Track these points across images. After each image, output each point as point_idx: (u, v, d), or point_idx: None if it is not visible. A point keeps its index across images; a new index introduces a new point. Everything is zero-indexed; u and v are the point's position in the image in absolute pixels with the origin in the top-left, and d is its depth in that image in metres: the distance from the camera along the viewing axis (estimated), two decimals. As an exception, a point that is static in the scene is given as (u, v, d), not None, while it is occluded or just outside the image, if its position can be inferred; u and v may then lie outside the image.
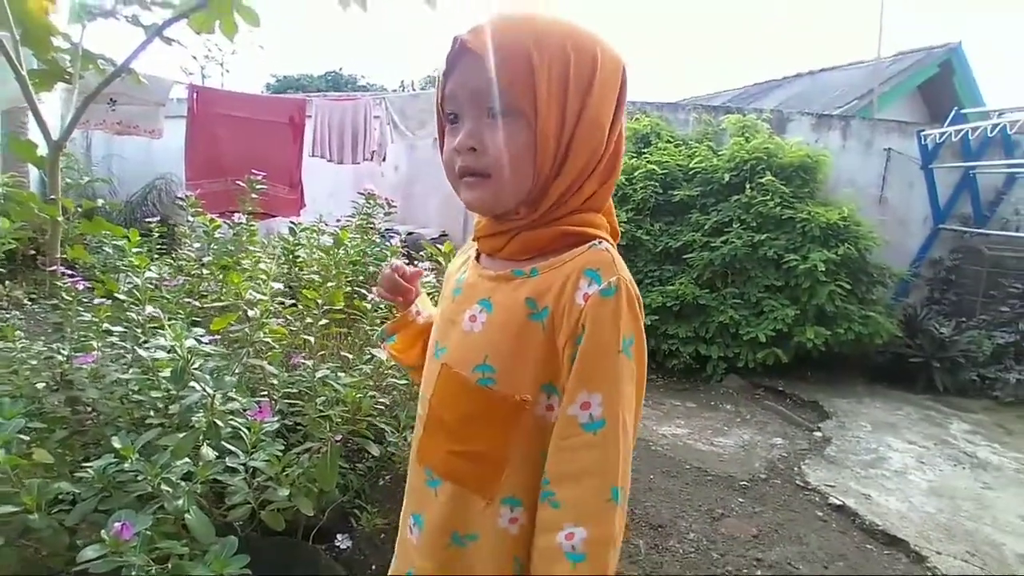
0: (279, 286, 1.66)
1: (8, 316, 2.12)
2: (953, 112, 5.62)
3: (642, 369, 0.74)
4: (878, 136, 5.86)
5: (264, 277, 1.69)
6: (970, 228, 5.76)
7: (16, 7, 1.66)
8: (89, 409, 1.57)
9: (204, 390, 1.26)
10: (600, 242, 0.77)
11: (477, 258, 0.86)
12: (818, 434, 3.88)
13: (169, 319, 1.52)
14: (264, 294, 1.59)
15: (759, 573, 2.36)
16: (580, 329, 0.71)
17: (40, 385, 1.55)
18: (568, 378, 0.72)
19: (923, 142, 5.67)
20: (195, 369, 1.28)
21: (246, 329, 1.54)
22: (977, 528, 2.80)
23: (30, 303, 2.44)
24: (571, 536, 0.68)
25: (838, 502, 2.96)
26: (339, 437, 1.62)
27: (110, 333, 1.68)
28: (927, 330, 5.05)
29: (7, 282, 2.78)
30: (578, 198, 0.77)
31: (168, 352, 1.28)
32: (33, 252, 3.81)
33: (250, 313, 1.55)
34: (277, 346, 1.64)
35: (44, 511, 1.24)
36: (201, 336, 1.37)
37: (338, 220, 2.67)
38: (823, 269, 4.52)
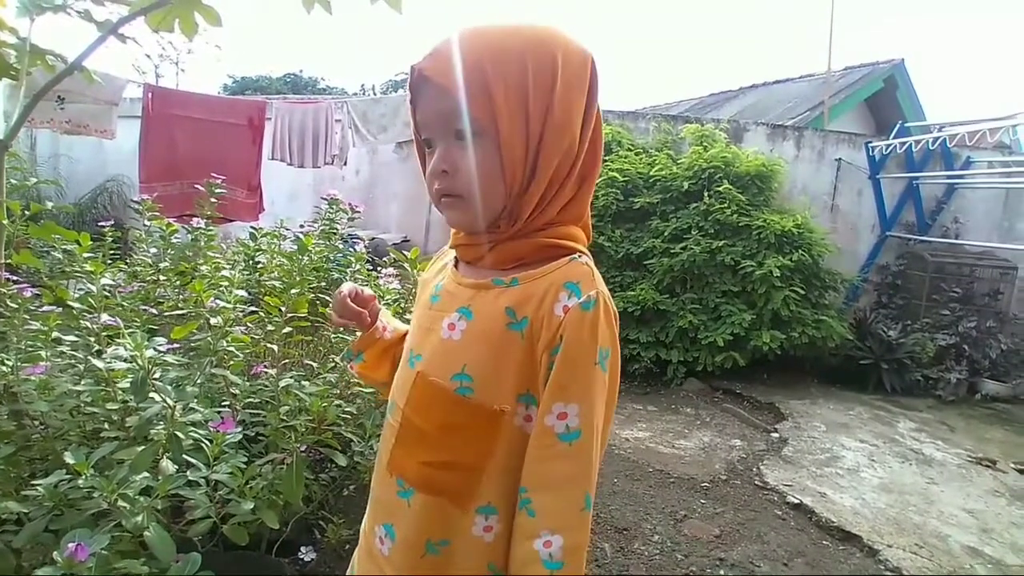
0: (242, 293, 1.61)
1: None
2: (898, 125, 5.89)
3: (615, 381, 0.75)
4: (829, 146, 6.10)
5: (227, 283, 1.64)
6: (914, 235, 6.04)
7: (-42, 0, 1.58)
8: (37, 423, 1.49)
9: (165, 401, 1.22)
10: (580, 256, 0.78)
11: (455, 265, 0.86)
12: (775, 435, 3.99)
13: (126, 327, 1.46)
14: (228, 302, 1.54)
15: (722, 572, 2.41)
16: (558, 340, 0.71)
17: (-23, 398, 1.47)
18: (544, 388, 0.73)
19: (871, 153, 5.93)
20: (155, 379, 1.24)
21: (208, 338, 1.49)
22: (925, 521, 2.93)
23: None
24: (548, 544, 0.69)
25: (796, 500, 3.05)
26: (304, 447, 1.58)
27: (60, 342, 1.60)
28: (876, 333, 5.27)
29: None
30: (555, 204, 0.77)
31: (128, 362, 1.23)
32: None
33: (212, 321, 1.50)
34: (240, 355, 1.59)
35: (-12, 532, 1.18)
36: (161, 345, 1.32)
37: (301, 225, 2.62)
38: (778, 275, 4.66)
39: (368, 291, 0.97)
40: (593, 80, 0.76)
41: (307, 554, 1.87)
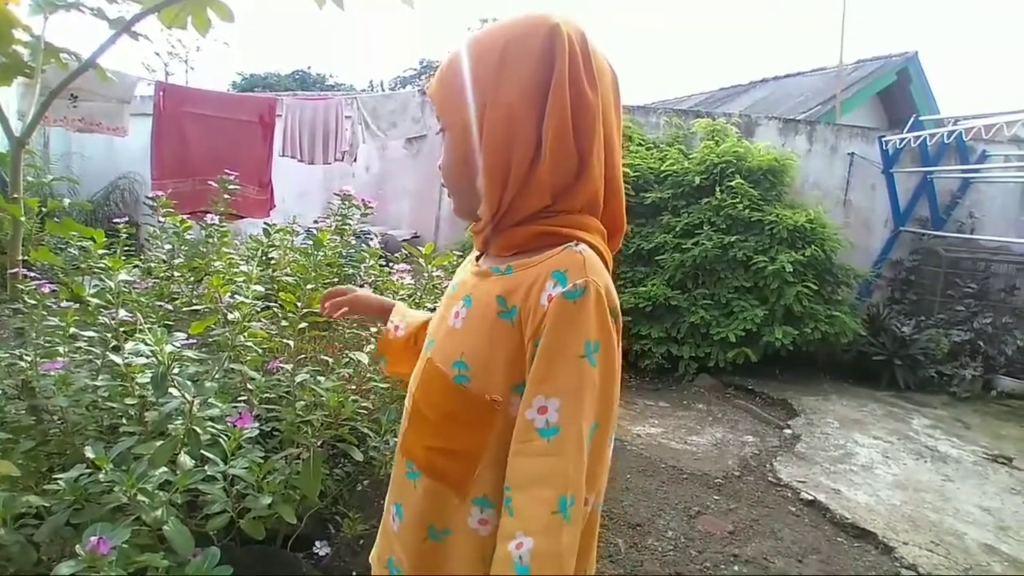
0: (260, 289, 1.62)
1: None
2: (912, 119, 5.81)
3: (610, 374, 0.71)
4: (842, 140, 6.03)
5: (244, 279, 1.64)
6: (928, 230, 5.97)
7: (-26, -3, 1.58)
8: (56, 418, 1.50)
9: (184, 396, 1.22)
10: (577, 244, 0.74)
11: (478, 257, 0.88)
12: (788, 431, 3.97)
13: (142, 323, 1.46)
14: (246, 297, 1.55)
15: (736, 569, 2.40)
16: (542, 330, 0.70)
17: (-3, 392, 1.48)
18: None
19: (884, 147, 5.85)
20: (175, 375, 1.24)
21: (226, 333, 1.49)
22: (940, 519, 2.90)
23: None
24: (520, 546, 0.66)
25: (809, 497, 3.03)
26: (320, 442, 1.58)
27: (77, 338, 1.60)
28: (889, 329, 5.22)
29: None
30: (530, 192, 0.74)
31: (147, 357, 1.23)
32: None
33: (230, 316, 1.50)
34: (258, 350, 1.60)
35: (10, 526, 1.18)
36: (180, 340, 1.33)
37: (316, 221, 2.62)
38: (790, 270, 4.63)
39: (339, 288, 1.12)
40: (553, 57, 0.71)
41: (322, 548, 1.88)
